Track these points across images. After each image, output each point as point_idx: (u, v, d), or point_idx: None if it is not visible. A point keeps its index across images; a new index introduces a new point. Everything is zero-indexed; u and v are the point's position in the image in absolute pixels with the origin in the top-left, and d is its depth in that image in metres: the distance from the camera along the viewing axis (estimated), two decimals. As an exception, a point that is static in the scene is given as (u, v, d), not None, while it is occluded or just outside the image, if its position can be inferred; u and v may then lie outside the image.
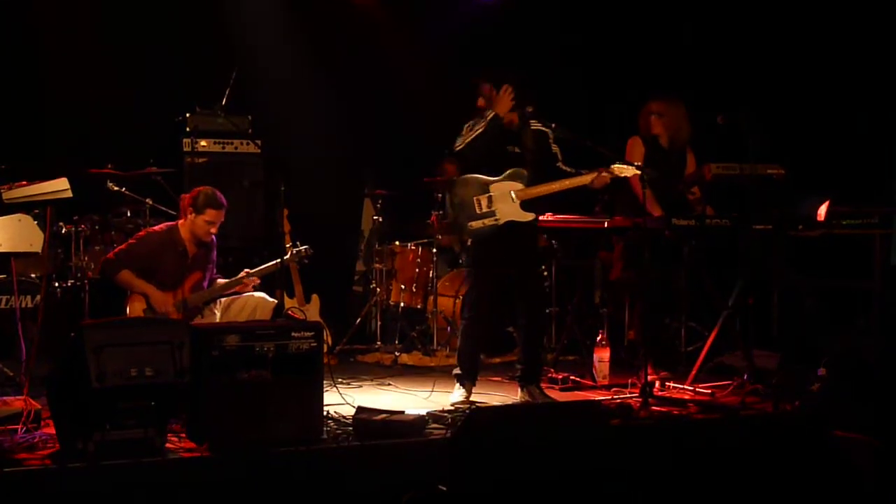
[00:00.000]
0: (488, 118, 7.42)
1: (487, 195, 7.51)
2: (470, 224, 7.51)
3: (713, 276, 8.41)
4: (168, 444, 5.94)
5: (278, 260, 8.16)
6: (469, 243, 7.67)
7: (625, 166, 7.53)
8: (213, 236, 8.15)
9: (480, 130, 7.43)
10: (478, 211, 7.51)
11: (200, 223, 7.98)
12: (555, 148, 7.67)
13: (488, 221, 7.48)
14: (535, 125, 7.63)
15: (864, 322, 8.52)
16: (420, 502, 5.65)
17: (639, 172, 7.59)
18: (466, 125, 7.55)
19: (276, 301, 8.28)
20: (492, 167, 7.54)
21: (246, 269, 8.31)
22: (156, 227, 8.14)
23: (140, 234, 8.13)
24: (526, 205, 7.54)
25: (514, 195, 7.50)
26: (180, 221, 8.04)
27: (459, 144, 7.53)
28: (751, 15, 10.07)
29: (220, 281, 8.32)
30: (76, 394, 5.70)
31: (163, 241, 7.98)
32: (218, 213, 8.00)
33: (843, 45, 9.49)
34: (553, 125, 7.51)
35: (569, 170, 7.61)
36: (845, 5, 9.49)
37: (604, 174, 7.50)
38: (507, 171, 7.52)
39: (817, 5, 9.62)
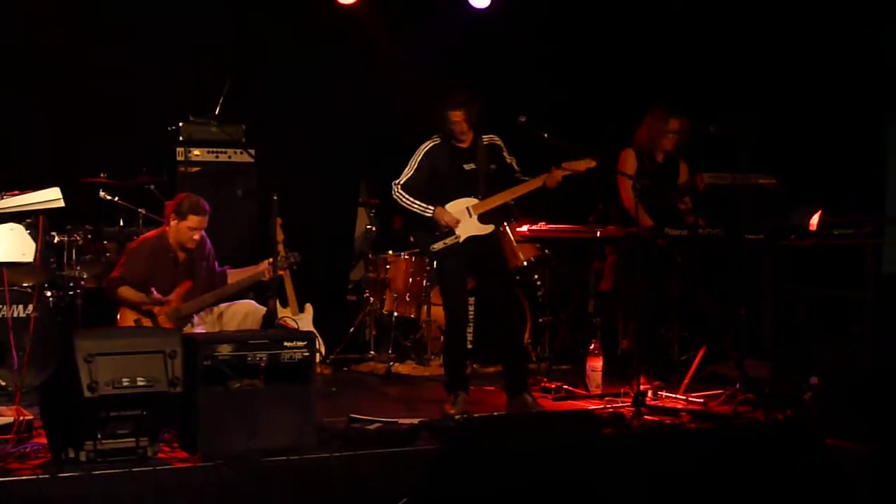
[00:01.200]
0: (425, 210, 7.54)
1: (442, 208, 7.53)
2: (432, 246, 7.54)
3: (705, 285, 8.41)
4: (160, 454, 5.95)
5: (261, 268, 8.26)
6: (435, 265, 7.68)
7: (577, 162, 7.56)
8: (203, 233, 8.19)
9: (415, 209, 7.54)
10: (437, 232, 7.54)
11: (184, 229, 8.02)
12: (510, 159, 7.71)
13: (449, 241, 7.52)
14: (487, 140, 7.66)
15: (857, 331, 8.53)
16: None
17: (593, 164, 7.60)
18: (419, 156, 7.59)
19: (265, 308, 8.31)
20: (448, 187, 7.57)
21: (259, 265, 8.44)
22: (148, 234, 8.16)
23: (132, 245, 8.14)
24: (484, 217, 7.57)
25: (470, 210, 7.53)
26: (166, 228, 8.07)
27: (401, 194, 7.58)
28: (743, 25, 10.08)
29: (233, 272, 8.37)
30: (68, 403, 5.70)
31: (155, 248, 8.02)
32: (201, 220, 8.05)
33: (834, 55, 9.49)
34: (545, 134, 7.51)
35: (526, 180, 7.65)
36: (837, 16, 9.50)
37: (555, 173, 7.54)
38: (462, 190, 7.57)
39: (809, 16, 9.63)
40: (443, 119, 7.51)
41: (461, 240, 7.51)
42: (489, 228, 7.63)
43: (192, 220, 8.01)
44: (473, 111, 7.48)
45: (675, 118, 8.48)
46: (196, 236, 8.09)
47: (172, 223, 8.02)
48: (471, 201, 7.55)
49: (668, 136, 8.47)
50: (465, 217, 7.53)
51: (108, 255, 8.85)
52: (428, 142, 7.60)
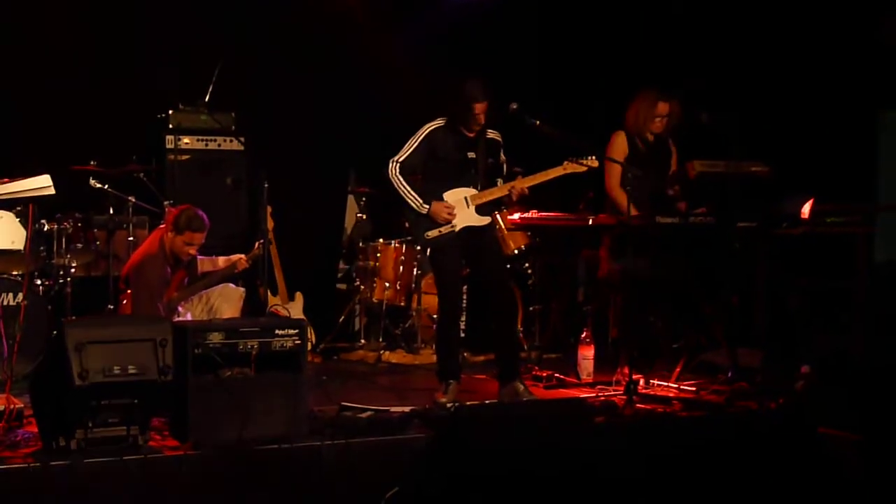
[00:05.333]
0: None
1: (440, 203, 7.50)
2: (427, 234, 7.52)
3: (697, 274, 8.40)
4: (151, 442, 5.94)
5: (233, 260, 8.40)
6: (429, 252, 7.68)
7: (581, 161, 7.58)
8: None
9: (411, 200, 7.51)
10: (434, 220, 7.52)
11: (179, 243, 8.01)
12: (503, 159, 7.72)
13: (445, 230, 7.49)
14: (490, 134, 7.65)
15: (848, 320, 8.53)
16: (403, 499, 5.65)
17: (596, 164, 7.62)
18: (421, 136, 7.56)
19: (243, 290, 8.34)
20: (447, 172, 7.56)
21: (240, 255, 8.56)
22: (153, 251, 8.08)
23: (141, 267, 8.05)
24: (481, 209, 7.56)
25: (468, 200, 7.52)
26: (164, 236, 8.04)
27: (398, 177, 7.54)
28: (736, 9, 10.07)
29: (203, 260, 8.37)
30: (58, 392, 5.68)
31: (159, 258, 8.00)
32: (196, 235, 8.03)
33: (827, 39, 9.48)
34: (536, 122, 7.49)
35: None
36: (828, 4, 9.51)
37: (570, 169, 7.61)
38: (461, 178, 7.56)
39: (800, 4, 9.63)
40: (462, 108, 7.45)
41: (457, 229, 7.49)
42: (486, 220, 7.62)
43: (188, 235, 7.99)
44: (492, 106, 7.46)
45: (664, 101, 8.30)
46: (192, 251, 8.09)
47: (169, 234, 7.99)
48: (469, 191, 7.53)
49: (656, 119, 8.33)
50: (462, 207, 7.51)
51: (97, 243, 8.81)
52: (432, 123, 7.56)
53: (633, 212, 7.75)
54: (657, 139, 8.40)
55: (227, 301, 8.40)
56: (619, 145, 8.28)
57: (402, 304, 9.85)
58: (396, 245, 9.88)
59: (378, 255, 9.94)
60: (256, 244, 8.60)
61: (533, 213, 8.60)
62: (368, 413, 6.60)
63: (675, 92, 8.41)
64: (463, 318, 9.01)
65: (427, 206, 7.45)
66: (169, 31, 9.65)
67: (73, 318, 7.68)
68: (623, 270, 8.13)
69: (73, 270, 8.51)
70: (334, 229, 10.94)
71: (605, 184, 8.25)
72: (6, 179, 6.33)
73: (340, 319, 9.92)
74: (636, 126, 8.31)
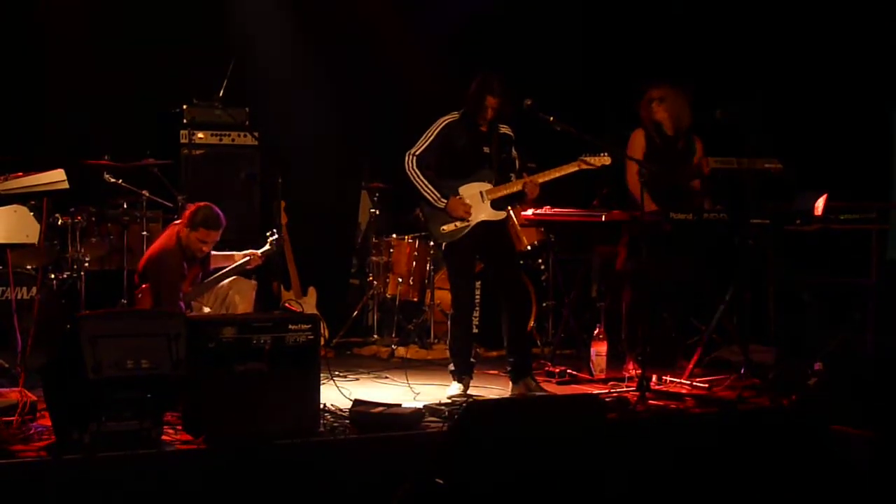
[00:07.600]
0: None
1: (457, 198, 7.50)
2: (442, 228, 7.52)
3: (710, 270, 8.39)
4: (164, 437, 5.94)
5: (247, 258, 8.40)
6: (444, 247, 7.67)
7: (594, 157, 7.58)
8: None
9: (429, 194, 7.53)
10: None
11: (193, 239, 8.00)
12: (514, 154, 7.71)
13: (460, 224, 7.49)
14: (503, 129, 7.66)
15: (860, 317, 8.51)
16: (415, 495, 5.64)
17: (608, 161, 7.64)
18: (437, 129, 7.56)
19: (255, 282, 8.36)
20: (462, 166, 7.56)
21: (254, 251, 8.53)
22: (170, 245, 8.08)
23: (159, 261, 8.05)
24: (496, 203, 7.55)
25: (483, 195, 7.51)
26: (180, 231, 8.04)
27: (415, 171, 7.53)
28: (749, 7, 10.05)
29: (215, 255, 8.38)
30: (72, 385, 5.68)
31: (176, 253, 8.01)
32: (211, 234, 8.01)
33: (841, 38, 9.46)
34: (551, 118, 7.49)
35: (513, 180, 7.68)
36: (843, 2, 9.49)
37: (583, 166, 7.64)
38: (476, 173, 7.56)
39: (815, 2, 9.61)
40: (476, 100, 7.46)
41: (472, 224, 7.50)
42: (501, 215, 7.62)
43: (202, 232, 7.97)
44: (507, 102, 7.47)
45: (653, 87, 8.37)
46: (205, 248, 8.09)
47: (184, 230, 7.99)
48: (484, 186, 7.53)
49: (651, 105, 8.33)
50: (477, 202, 7.51)
51: (111, 237, 8.82)
52: (447, 116, 7.57)
53: (651, 207, 7.75)
54: (677, 135, 8.38)
55: (240, 293, 8.42)
56: (638, 143, 8.30)
57: (416, 299, 9.86)
58: (410, 240, 9.89)
59: (391, 250, 9.95)
60: (269, 240, 8.61)
61: (546, 209, 8.60)
62: (381, 408, 6.60)
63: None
64: (476, 314, 9.02)
65: (444, 201, 7.45)
66: (183, 25, 9.67)
67: (87, 311, 7.69)
68: (636, 266, 8.12)
69: (86, 264, 8.53)
70: (348, 224, 10.95)
71: (627, 182, 8.26)
72: (20, 173, 6.33)
73: (353, 314, 9.93)
74: (646, 118, 8.35)
